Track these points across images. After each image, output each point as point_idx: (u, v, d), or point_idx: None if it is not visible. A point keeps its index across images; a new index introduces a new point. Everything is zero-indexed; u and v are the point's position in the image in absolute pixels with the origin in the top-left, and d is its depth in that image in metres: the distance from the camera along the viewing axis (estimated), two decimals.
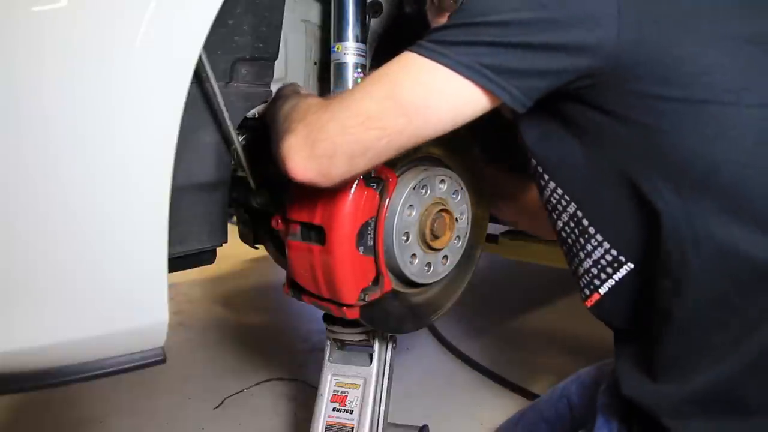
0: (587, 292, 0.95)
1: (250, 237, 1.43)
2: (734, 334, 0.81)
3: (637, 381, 0.91)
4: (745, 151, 0.77)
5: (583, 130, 0.86)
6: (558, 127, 0.88)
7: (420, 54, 0.81)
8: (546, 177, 0.93)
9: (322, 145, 0.83)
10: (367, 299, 1.10)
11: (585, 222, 0.90)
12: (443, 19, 0.99)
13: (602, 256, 0.90)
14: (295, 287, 1.20)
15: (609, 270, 0.91)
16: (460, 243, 1.26)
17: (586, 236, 0.91)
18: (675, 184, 0.79)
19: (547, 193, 0.94)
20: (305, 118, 0.87)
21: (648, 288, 0.87)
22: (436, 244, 1.18)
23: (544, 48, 0.76)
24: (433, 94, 0.81)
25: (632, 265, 0.89)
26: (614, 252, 0.89)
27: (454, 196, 1.22)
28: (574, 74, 0.78)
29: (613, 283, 0.91)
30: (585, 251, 0.92)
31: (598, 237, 0.90)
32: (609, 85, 0.79)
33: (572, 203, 0.91)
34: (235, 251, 1.74)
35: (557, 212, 0.94)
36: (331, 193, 1.02)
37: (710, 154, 0.77)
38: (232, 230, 1.21)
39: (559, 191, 0.92)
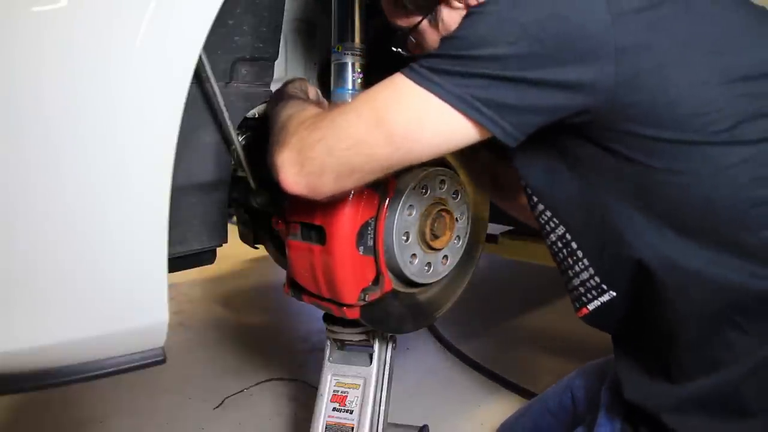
0: (577, 305, 0.97)
1: (250, 237, 1.43)
2: (739, 350, 0.82)
3: (639, 384, 0.93)
4: (742, 188, 0.77)
5: (578, 161, 0.85)
6: (552, 157, 0.87)
7: (413, 80, 0.79)
8: (535, 199, 0.93)
9: (311, 164, 0.84)
10: (367, 299, 1.10)
11: (573, 245, 0.91)
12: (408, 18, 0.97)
13: (588, 280, 0.92)
14: (295, 287, 1.20)
15: (594, 293, 0.92)
16: (460, 243, 1.26)
17: (574, 258, 0.92)
18: (671, 222, 0.80)
19: (536, 212, 0.94)
20: (297, 133, 0.87)
21: (639, 311, 0.89)
22: (436, 244, 1.18)
23: (538, 84, 0.75)
24: (422, 124, 0.80)
25: (614, 293, 0.90)
26: (597, 279, 0.91)
27: (454, 196, 1.22)
28: (569, 111, 0.78)
29: (599, 304, 0.93)
30: (573, 271, 0.94)
31: (585, 261, 0.91)
32: (605, 121, 0.78)
33: (561, 226, 0.92)
34: (235, 251, 1.74)
35: (546, 231, 0.95)
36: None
37: (707, 193, 0.77)
38: (232, 230, 1.21)
39: (548, 213, 0.92)
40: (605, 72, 0.74)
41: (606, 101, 0.75)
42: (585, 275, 0.92)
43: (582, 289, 0.94)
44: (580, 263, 0.92)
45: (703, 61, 0.76)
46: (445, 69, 0.77)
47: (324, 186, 0.86)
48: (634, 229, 0.83)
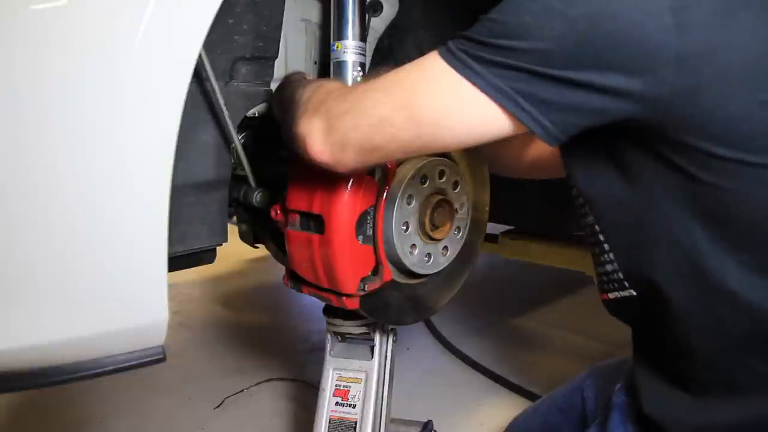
0: (599, 288, 0.96)
1: (250, 237, 1.43)
2: (761, 379, 0.80)
3: (657, 394, 0.91)
4: None
5: (624, 162, 0.80)
6: (597, 152, 0.83)
7: (449, 63, 0.73)
8: (571, 183, 0.90)
9: (337, 134, 0.82)
10: (366, 289, 1.10)
11: (601, 237, 0.89)
12: None
13: (611, 272, 0.90)
14: (294, 278, 1.20)
15: (616, 284, 0.91)
16: (460, 234, 1.26)
17: (600, 248, 0.90)
18: (712, 237, 0.76)
19: (571, 193, 0.92)
20: (326, 102, 0.85)
21: (659, 316, 0.87)
22: (436, 234, 1.18)
23: (583, 86, 0.68)
24: (452, 111, 0.75)
25: (634, 293, 0.88)
26: (621, 275, 0.89)
27: (454, 186, 1.22)
28: (616, 116, 0.71)
29: (619, 296, 0.91)
30: (598, 259, 0.92)
31: (611, 255, 0.89)
32: (656, 129, 0.72)
33: (591, 215, 0.89)
34: (235, 251, 1.74)
35: (578, 213, 0.93)
36: (330, 181, 1.02)
37: (756, 214, 0.74)
38: (232, 230, 1.21)
39: (581, 200, 0.90)
40: (660, 82, 0.67)
41: (657, 111, 0.69)
42: (609, 267, 0.90)
43: (605, 278, 0.92)
44: (605, 255, 0.89)
45: (766, 82, 0.68)
46: (483, 57, 0.71)
47: (347, 159, 0.84)
48: (671, 237, 0.79)
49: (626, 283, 0.89)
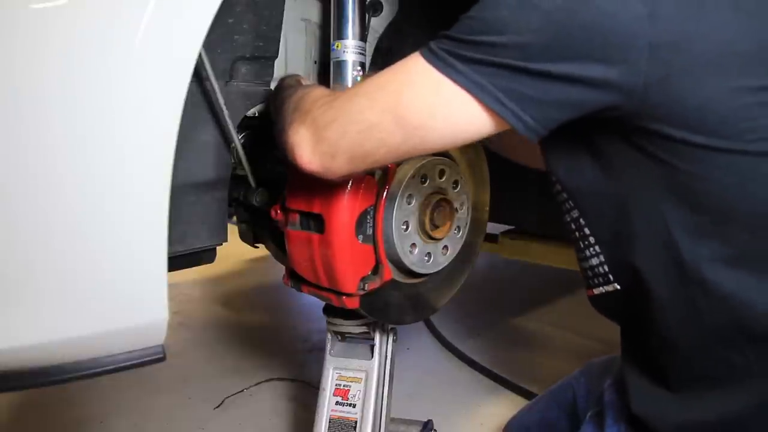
0: (585, 284, 0.96)
1: (250, 236, 1.43)
2: (740, 373, 0.80)
3: (642, 391, 0.91)
4: (763, 202, 0.74)
5: (603, 153, 0.81)
6: (576, 144, 0.83)
7: (431, 63, 0.74)
8: (553, 178, 0.91)
9: (325, 143, 0.82)
10: (366, 288, 1.10)
11: (587, 230, 0.90)
12: None
13: (597, 266, 0.91)
14: (294, 278, 1.20)
15: (601, 279, 0.91)
16: (460, 233, 1.26)
17: (586, 242, 0.91)
18: (687, 224, 0.77)
19: (553, 189, 0.93)
20: (312, 111, 0.85)
21: (642, 312, 0.87)
22: (436, 233, 1.18)
23: (562, 79, 0.69)
24: (436, 112, 0.75)
25: (618, 287, 0.89)
26: (606, 268, 0.89)
27: (454, 186, 1.22)
28: (594, 107, 0.73)
29: (603, 291, 0.92)
30: (584, 254, 0.92)
31: (597, 248, 0.89)
32: (632, 118, 0.73)
33: (576, 210, 0.90)
34: (235, 251, 1.74)
35: (562, 210, 0.93)
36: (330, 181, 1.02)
37: (729, 201, 0.74)
38: (232, 230, 1.21)
39: (565, 195, 0.90)
40: (635, 70, 0.68)
41: (633, 100, 0.70)
42: (595, 261, 0.90)
43: (590, 273, 0.93)
44: (591, 248, 0.90)
45: (741, 66, 0.70)
46: (463, 54, 0.72)
47: (338, 167, 0.84)
48: (650, 227, 0.80)
49: (611, 276, 0.89)
